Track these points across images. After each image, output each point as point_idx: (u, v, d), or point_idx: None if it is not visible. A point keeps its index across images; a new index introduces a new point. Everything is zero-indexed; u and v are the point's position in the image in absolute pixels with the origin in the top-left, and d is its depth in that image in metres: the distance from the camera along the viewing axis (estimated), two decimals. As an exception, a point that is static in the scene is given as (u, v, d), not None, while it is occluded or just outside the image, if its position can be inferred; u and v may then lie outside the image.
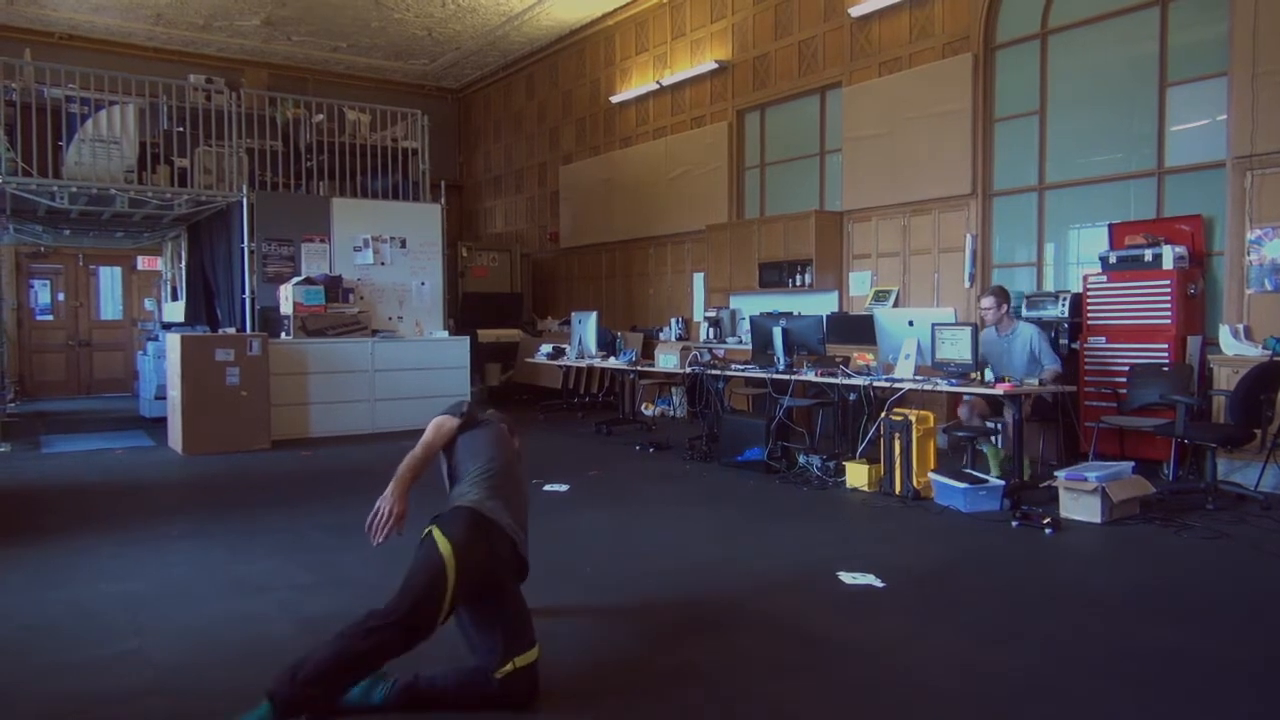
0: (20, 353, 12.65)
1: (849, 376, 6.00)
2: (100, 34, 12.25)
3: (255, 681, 2.72)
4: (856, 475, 5.81)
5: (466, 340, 9.56)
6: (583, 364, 9.02)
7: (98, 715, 2.61)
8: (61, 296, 13.33)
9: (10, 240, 10.85)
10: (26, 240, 11.55)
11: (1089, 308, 6.48)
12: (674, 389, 9.82)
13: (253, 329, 8.59)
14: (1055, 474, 5.15)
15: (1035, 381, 5.50)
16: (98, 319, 13.62)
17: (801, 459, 6.36)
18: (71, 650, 3.09)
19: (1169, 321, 6.06)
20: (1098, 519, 4.82)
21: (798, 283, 8.93)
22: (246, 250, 8.80)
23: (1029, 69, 7.44)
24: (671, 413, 9.90)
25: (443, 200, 9.98)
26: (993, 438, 5.91)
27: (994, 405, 5.86)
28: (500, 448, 3.10)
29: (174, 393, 7.86)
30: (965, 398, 5.92)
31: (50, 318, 13.30)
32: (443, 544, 2.60)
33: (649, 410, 9.97)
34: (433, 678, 2.63)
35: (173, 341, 7.89)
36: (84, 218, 9.80)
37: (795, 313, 7.77)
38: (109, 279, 13.75)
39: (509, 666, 2.60)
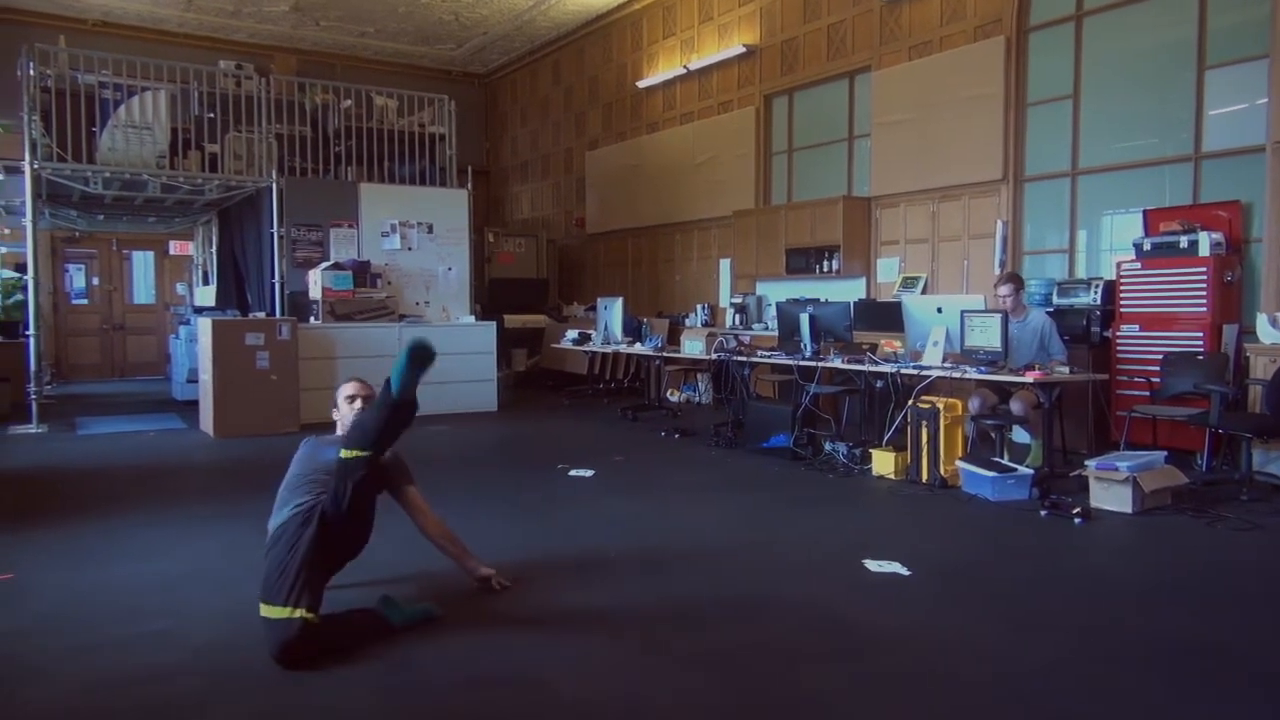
0: (56, 336, 12.87)
1: (876, 363, 5.95)
2: (132, 20, 12.38)
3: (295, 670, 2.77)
4: (883, 463, 5.78)
5: (493, 325, 9.59)
6: (608, 350, 9.03)
7: (130, 695, 2.64)
8: (96, 281, 13.55)
9: (46, 225, 11.01)
10: (62, 225, 11.74)
11: (1122, 295, 6.38)
12: (699, 375, 9.80)
13: (282, 313, 8.67)
14: (1086, 463, 5.09)
15: (1066, 370, 5.43)
16: (131, 303, 13.83)
17: (827, 446, 6.34)
18: (103, 630, 3.14)
19: (1204, 309, 5.95)
20: (1129, 509, 4.76)
21: (825, 269, 8.87)
22: (276, 235, 8.87)
23: (1063, 52, 7.31)
24: (697, 399, 9.90)
25: (469, 186, 10.00)
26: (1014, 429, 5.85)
27: (1001, 394, 5.82)
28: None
29: (205, 376, 7.97)
30: (976, 387, 5.88)
31: (85, 302, 13.52)
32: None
33: (674, 396, 9.96)
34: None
35: (204, 325, 7.99)
36: (117, 203, 9.93)
37: (822, 299, 7.72)
38: (142, 263, 13.94)
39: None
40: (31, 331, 8.26)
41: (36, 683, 2.72)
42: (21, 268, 9.52)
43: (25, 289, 8.68)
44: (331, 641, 2.88)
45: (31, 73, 8.07)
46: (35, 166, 8.01)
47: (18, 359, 8.93)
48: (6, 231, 10.35)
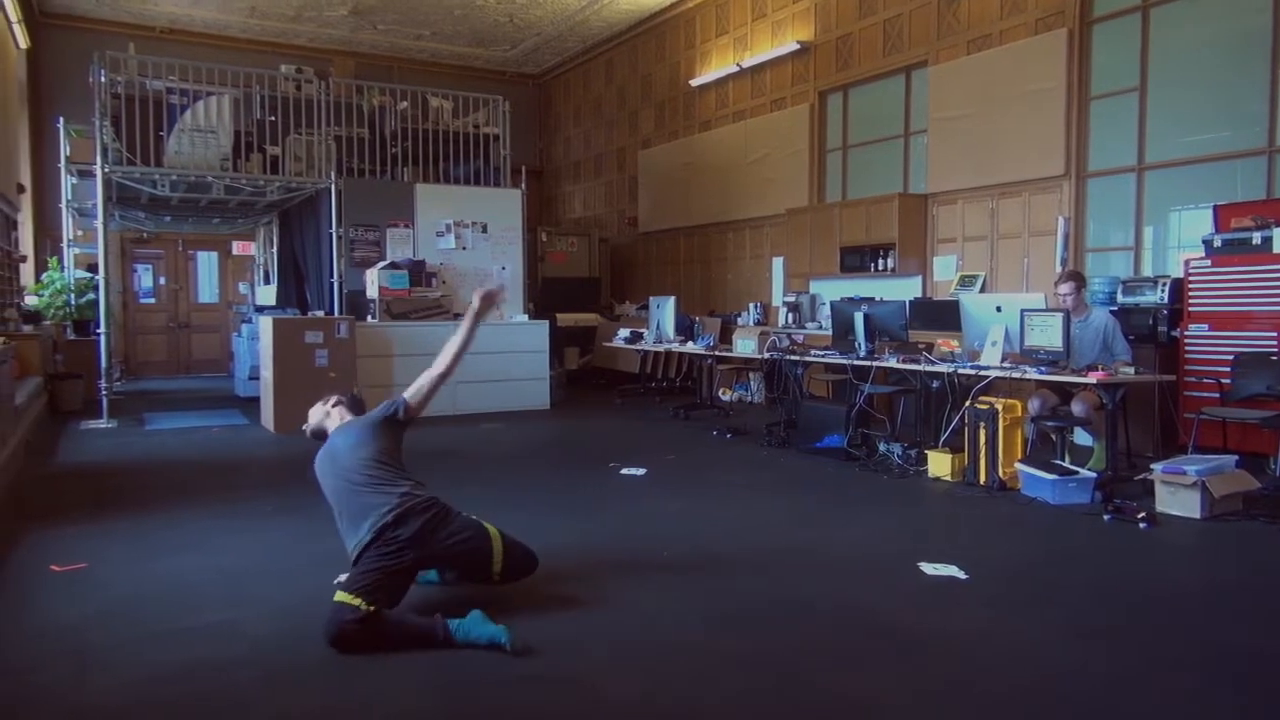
0: (125, 334, 13.28)
1: (932, 363, 5.86)
2: (198, 27, 12.74)
3: (346, 655, 2.82)
4: (939, 464, 5.68)
5: (546, 324, 9.66)
6: (660, 348, 9.03)
7: (190, 685, 2.71)
8: (163, 280, 13.95)
9: (116, 227, 11.38)
10: (130, 226, 12.12)
11: (1190, 293, 6.19)
12: (752, 374, 9.75)
13: (340, 312, 8.83)
14: (1152, 466, 4.94)
15: (1131, 370, 5.28)
16: (196, 302, 14.22)
17: (882, 447, 6.25)
18: (166, 620, 3.22)
19: (1279, 308, 5.74)
20: (1197, 514, 4.62)
21: (880, 267, 8.76)
22: (334, 235, 9.04)
23: (1128, 44, 7.11)
24: (749, 398, 9.84)
25: (523, 185, 10.09)
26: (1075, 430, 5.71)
27: (1062, 395, 5.68)
28: None
29: (266, 373, 8.15)
30: (1036, 388, 5.75)
31: (152, 301, 13.93)
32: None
33: (727, 395, 9.92)
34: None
35: (265, 324, 8.18)
36: (183, 204, 10.22)
37: (877, 298, 7.62)
38: (206, 264, 14.32)
39: (495, 567, 3.24)
40: (102, 330, 8.54)
41: (102, 670, 2.81)
42: (93, 268, 9.86)
43: (96, 288, 8.97)
44: (386, 637, 2.91)
45: (103, 79, 8.34)
46: (106, 170, 8.28)
47: (90, 356, 9.26)
48: (80, 233, 10.72)
